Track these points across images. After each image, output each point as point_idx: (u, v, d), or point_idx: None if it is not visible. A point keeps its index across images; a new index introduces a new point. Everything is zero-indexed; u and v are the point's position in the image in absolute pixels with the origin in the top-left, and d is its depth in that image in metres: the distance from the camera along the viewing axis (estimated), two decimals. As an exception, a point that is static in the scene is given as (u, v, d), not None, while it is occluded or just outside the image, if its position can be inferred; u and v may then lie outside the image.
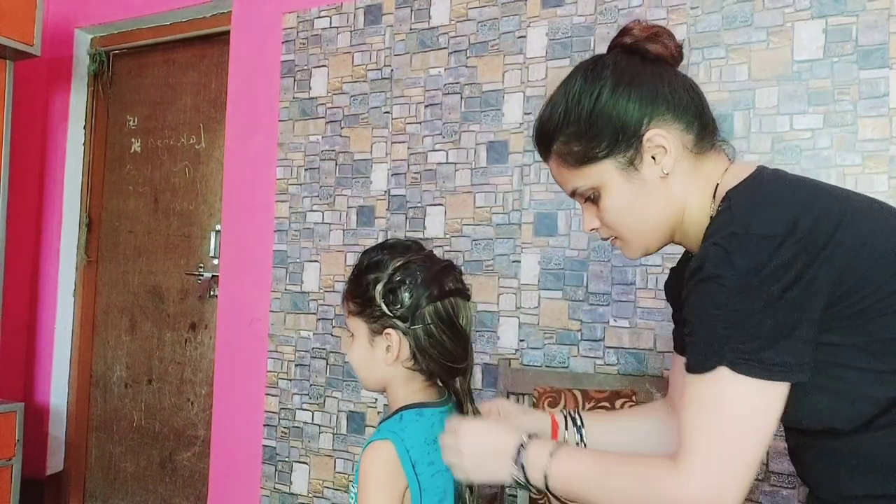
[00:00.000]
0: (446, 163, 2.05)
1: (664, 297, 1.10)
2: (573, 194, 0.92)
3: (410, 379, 1.02)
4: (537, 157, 1.88)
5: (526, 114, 1.93)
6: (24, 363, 2.90)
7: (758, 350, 0.74)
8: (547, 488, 0.85)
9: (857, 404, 0.78)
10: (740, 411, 0.75)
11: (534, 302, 1.89)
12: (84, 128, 2.95)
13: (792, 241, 0.74)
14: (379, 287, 0.99)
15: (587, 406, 1.65)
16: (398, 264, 1.00)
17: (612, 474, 0.82)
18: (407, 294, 0.98)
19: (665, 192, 0.86)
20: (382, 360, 1.01)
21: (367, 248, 1.08)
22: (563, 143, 0.88)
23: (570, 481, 0.84)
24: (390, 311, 0.99)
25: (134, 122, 2.91)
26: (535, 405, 1.72)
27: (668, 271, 1.07)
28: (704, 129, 0.88)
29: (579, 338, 1.83)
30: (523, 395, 1.82)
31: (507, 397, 1.81)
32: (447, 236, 2.03)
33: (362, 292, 1.01)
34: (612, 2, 1.83)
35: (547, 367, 1.86)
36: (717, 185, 0.86)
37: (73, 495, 2.90)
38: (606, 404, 1.63)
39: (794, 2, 1.63)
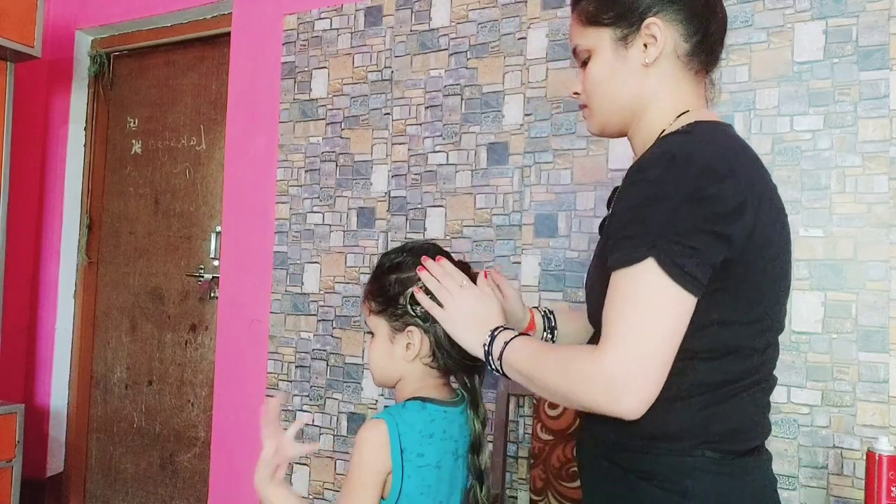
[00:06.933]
0: (447, 164, 2.05)
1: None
2: (574, 52, 1.00)
3: (425, 375, 1.06)
4: (538, 158, 1.91)
5: (526, 115, 1.93)
6: (24, 364, 2.90)
7: (679, 256, 0.79)
8: (502, 370, 0.95)
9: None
10: (656, 305, 0.80)
11: (534, 303, 1.89)
12: (85, 129, 2.96)
13: (732, 181, 0.81)
14: (405, 290, 1.03)
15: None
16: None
17: (547, 357, 0.90)
18: (431, 296, 1.02)
19: (641, 80, 0.93)
20: (402, 357, 1.05)
21: (387, 250, 1.11)
22: (586, 2, 0.96)
23: (515, 364, 0.93)
24: (413, 310, 1.03)
25: (134, 123, 2.92)
26: (535, 406, 1.72)
27: None
28: (701, 48, 0.94)
29: (580, 339, 1.83)
30: (523, 396, 1.82)
31: (508, 399, 1.81)
32: (448, 238, 2.03)
33: (384, 292, 1.06)
34: (612, 3, 1.83)
35: (547, 368, 1.86)
36: (688, 111, 0.92)
37: (73, 497, 2.90)
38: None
39: (794, 3, 1.63)
